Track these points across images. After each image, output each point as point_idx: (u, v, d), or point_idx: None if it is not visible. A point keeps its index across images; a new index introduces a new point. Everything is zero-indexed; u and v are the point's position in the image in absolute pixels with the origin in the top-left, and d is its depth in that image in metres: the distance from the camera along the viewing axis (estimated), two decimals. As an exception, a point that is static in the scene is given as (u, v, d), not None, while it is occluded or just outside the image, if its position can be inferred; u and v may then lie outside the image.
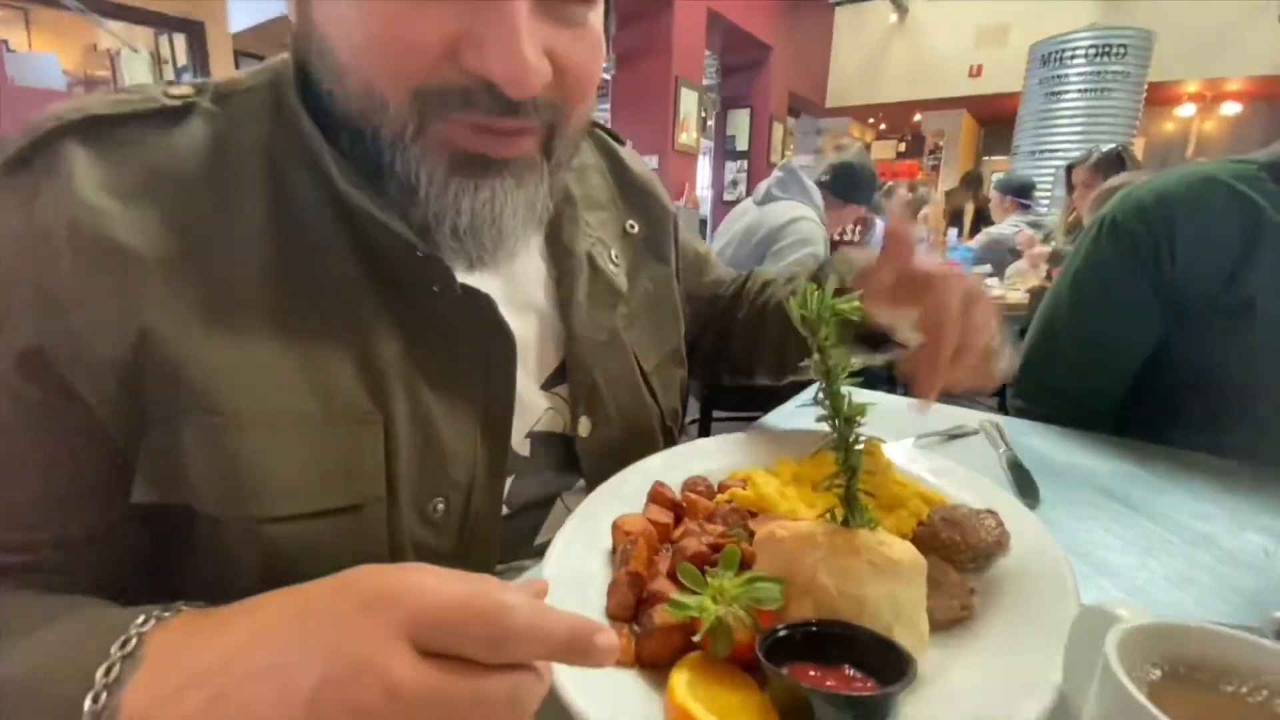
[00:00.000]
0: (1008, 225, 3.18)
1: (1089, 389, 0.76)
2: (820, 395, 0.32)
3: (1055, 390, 0.78)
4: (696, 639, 0.28)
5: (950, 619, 0.34)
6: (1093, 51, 5.02)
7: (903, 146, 9.58)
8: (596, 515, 0.41)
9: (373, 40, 0.34)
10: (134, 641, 0.25)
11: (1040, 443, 0.69)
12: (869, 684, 0.25)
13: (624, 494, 0.45)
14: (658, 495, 0.42)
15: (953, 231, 3.91)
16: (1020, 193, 3.25)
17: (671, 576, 0.33)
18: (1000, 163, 7.62)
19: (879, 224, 3.92)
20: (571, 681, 0.27)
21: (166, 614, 0.26)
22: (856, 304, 0.32)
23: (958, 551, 0.39)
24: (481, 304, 0.43)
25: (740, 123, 6.27)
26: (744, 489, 0.45)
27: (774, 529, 0.33)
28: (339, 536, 0.38)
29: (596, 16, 0.39)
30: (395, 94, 0.35)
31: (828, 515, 0.33)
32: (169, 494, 0.35)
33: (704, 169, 6.61)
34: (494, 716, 0.22)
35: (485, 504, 0.44)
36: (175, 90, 0.39)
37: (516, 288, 0.49)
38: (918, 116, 8.46)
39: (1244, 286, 0.64)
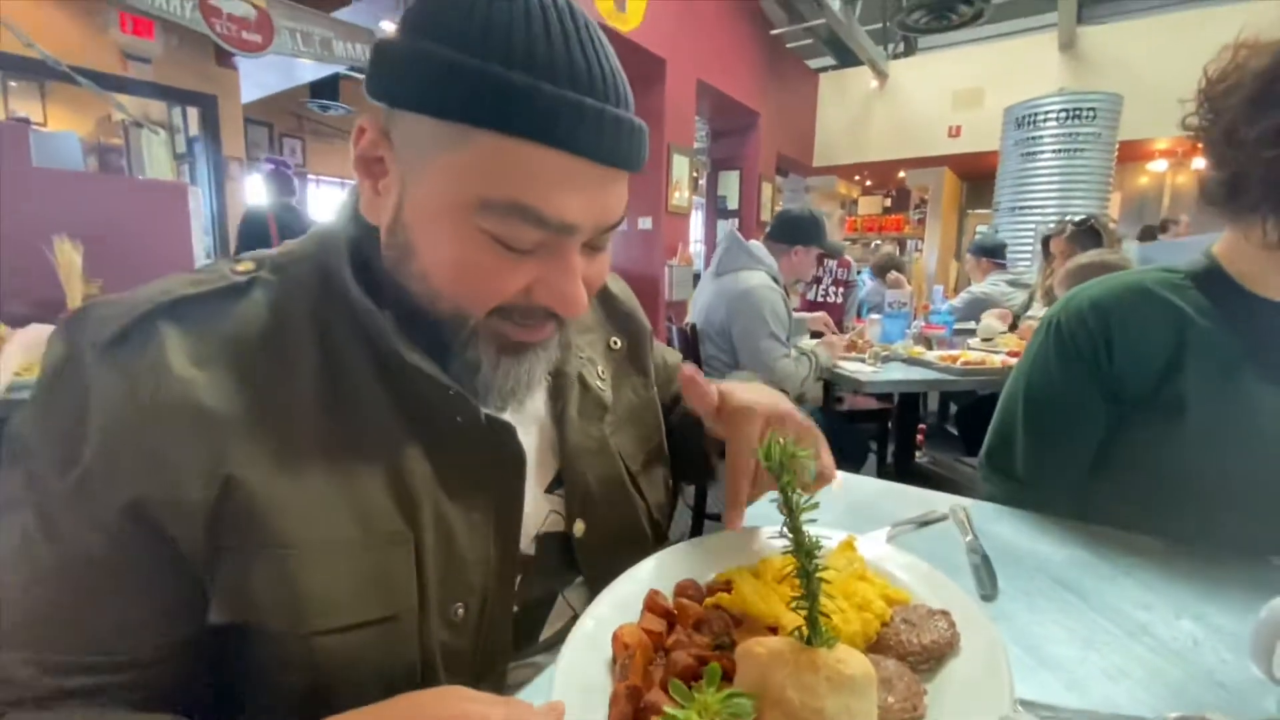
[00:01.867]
0: (988, 284, 3.31)
1: (1046, 477, 0.83)
2: (784, 529, 0.39)
3: (1016, 478, 0.85)
4: (685, 749, 0.34)
5: (904, 718, 0.40)
6: (1063, 115, 5.29)
7: (888, 202, 9.89)
8: (598, 625, 0.47)
9: (468, 281, 0.44)
10: None
11: (1004, 529, 0.75)
12: (825, 788, 0.31)
13: (622, 600, 0.50)
14: (652, 604, 0.48)
15: (939, 289, 4.04)
16: (994, 254, 3.40)
17: (664, 686, 0.38)
18: (984, 216, 7.89)
19: (866, 283, 4.06)
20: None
21: None
22: (811, 454, 0.39)
23: (913, 653, 0.45)
24: (503, 432, 0.51)
25: (730, 183, 6.53)
26: (729, 592, 0.51)
27: (751, 646, 0.39)
28: (377, 643, 0.44)
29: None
30: (478, 312, 0.46)
31: (796, 631, 0.39)
32: (239, 614, 0.41)
33: (696, 224, 6.83)
34: None
35: (499, 604, 0.51)
36: (240, 267, 0.48)
37: (522, 411, 0.56)
38: (902, 173, 8.78)
39: (1175, 387, 0.71)
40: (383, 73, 0.43)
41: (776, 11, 6.39)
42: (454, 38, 0.40)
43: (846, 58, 7.24)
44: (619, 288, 0.72)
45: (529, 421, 0.57)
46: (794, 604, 0.38)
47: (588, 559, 0.57)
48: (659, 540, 0.66)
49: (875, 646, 0.47)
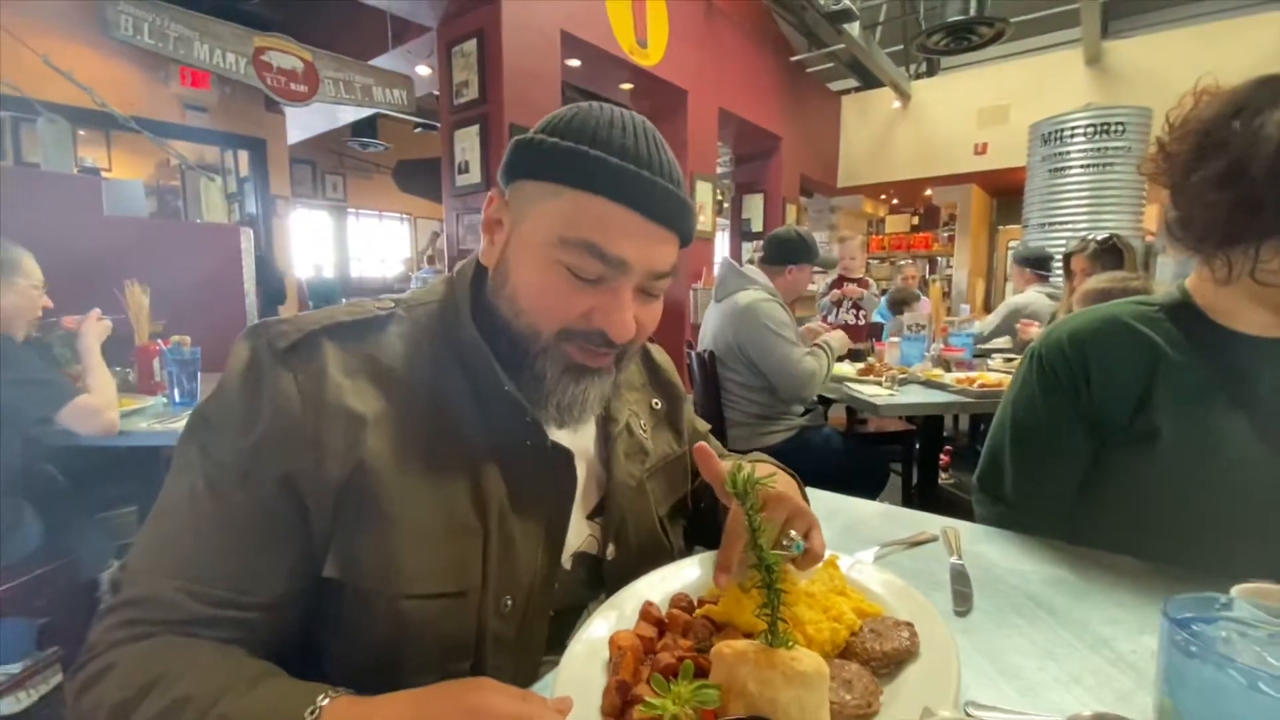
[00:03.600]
0: (1029, 294, 3.26)
1: (1033, 502, 0.86)
2: (748, 548, 0.46)
3: (1005, 502, 0.89)
4: (661, 731, 0.41)
5: (859, 714, 0.46)
6: (1091, 130, 5.23)
7: (916, 220, 9.83)
8: (599, 631, 0.54)
9: (545, 303, 0.57)
10: (318, 711, 0.39)
11: (990, 549, 0.80)
12: (774, 763, 0.38)
13: (624, 612, 0.58)
14: (646, 614, 0.55)
15: (965, 308, 4.02)
16: (1037, 265, 3.34)
17: (649, 683, 0.45)
18: (1015, 231, 7.79)
19: (871, 286, 4.07)
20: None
21: (335, 693, 0.41)
22: (772, 476, 0.46)
23: (874, 658, 0.51)
24: (565, 457, 0.62)
25: (755, 206, 6.60)
26: (716, 604, 0.58)
27: (721, 647, 0.45)
28: (446, 614, 0.54)
29: (666, 288, 0.62)
30: (548, 330, 0.57)
31: (762, 636, 0.46)
32: (345, 573, 0.52)
33: (721, 247, 6.91)
34: None
35: (539, 604, 0.60)
36: (381, 305, 0.62)
37: (579, 443, 0.66)
38: (928, 191, 8.74)
39: (1148, 416, 0.75)
40: (511, 159, 0.59)
41: (797, 37, 6.51)
42: (557, 131, 0.57)
43: (869, 80, 7.29)
44: (663, 359, 0.85)
45: (580, 456, 0.66)
46: (758, 611, 0.45)
47: (612, 580, 0.66)
48: None
49: (843, 653, 0.53)
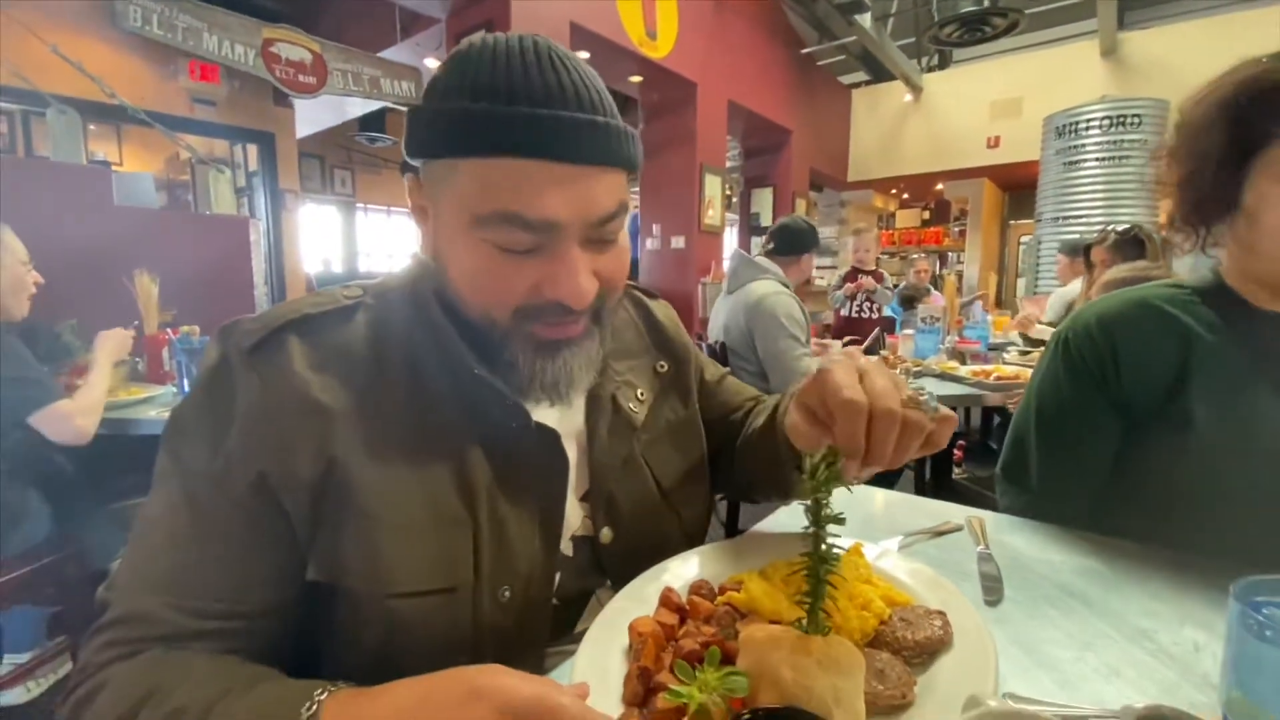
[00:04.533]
0: (1076, 284, 3.18)
1: (1059, 490, 0.84)
2: (806, 530, 0.44)
3: (1031, 491, 0.86)
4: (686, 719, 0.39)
5: (893, 704, 0.44)
6: (1107, 122, 5.16)
7: (927, 214, 9.74)
8: (619, 617, 0.52)
9: (485, 285, 0.52)
10: (315, 706, 0.37)
11: (1017, 539, 0.77)
12: (808, 754, 0.35)
13: (643, 597, 0.56)
14: (666, 600, 0.53)
15: (978, 304, 3.97)
16: (1084, 254, 3.25)
17: (672, 670, 0.43)
18: (1027, 226, 7.71)
19: (885, 279, 4.04)
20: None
21: (334, 688, 0.38)
22: (851, 485, 0.44)
23: (906, 647, 0.49)
24: (550, 438, 0.58)
25: (764, 201, 6.56)
26: (739, 592, 0.55)
27: (753, 632, 0.43)
28: (440, 611, 0.51)
29: (622, 230, 0.55)
30: (501, 315, 0.52)
31: (797, 622, 0.43)
32: (331, 575, 0.49)
33: (731, 242, 6.87)
34: None
35: (539, 593, 0.57)
36: (348, 293, 0.58)
37: (569, 422, 0.63)
38: (940, 185, 8.66)
39: (1182, 401, 0.73)
40: (408, 136, 0.52)
41: (808, 30, 6.45)
42: (437, 92, 0.50)
43: (880, 73, 7.23)
44: (665, 315, 0.78)
45: (572, 436, 0.63)
46: (799, 597, 0.43)
47: (612, 564, 0.63)
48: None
49: (873, 642, 0.51)
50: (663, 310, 0.78)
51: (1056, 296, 3.30)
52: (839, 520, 0.43)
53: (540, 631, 0.58)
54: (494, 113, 0.46)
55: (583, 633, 0.51)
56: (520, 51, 0.49)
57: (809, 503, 0.43)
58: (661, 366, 0.73)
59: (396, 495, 0.50)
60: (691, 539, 0.70)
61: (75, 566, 1.61)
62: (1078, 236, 4.20)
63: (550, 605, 0.59)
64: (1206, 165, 0.73)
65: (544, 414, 0.59)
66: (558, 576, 0.60)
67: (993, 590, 0.64)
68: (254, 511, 0.48)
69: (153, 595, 0.46)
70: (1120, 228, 2.49)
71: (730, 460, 0.75)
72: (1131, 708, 0.41)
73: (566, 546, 0.61)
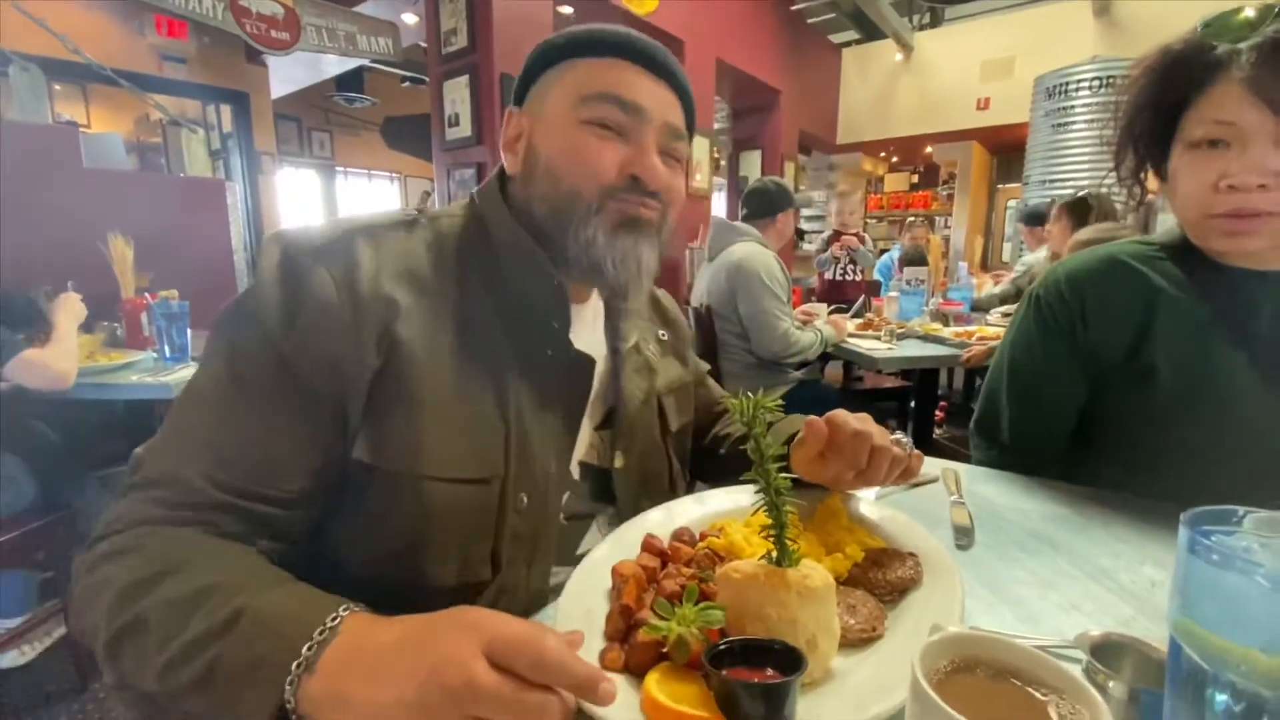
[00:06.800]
0: (1042, 251, 3.22)
1: (1029, 442, 0.86)
2: (755, 471, 0.45)
3: (1001, 445, 0.89)
4: (666, 651, 0.40)
5: (865, 637, 0.46)
6: (1096, 83, 5.11)
7: (915, 178, 9.68)
8: (601, 562, 0.54)
9: (580, 161, 0.61)
10: (337, 620, 0.38)
11: (989, 489, 0.80)
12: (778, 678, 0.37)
13: (626, 543, 0.57)
14: (648, 545, 0.55)
15: (963, 266, 3.99)
16: (1042, 221, 3.30)
17: (653, 608, 0.45)
18: (1014, 190, 7.69)
19: (867, 241, 4.07)
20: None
21: (355, 608, 0.40)
22: (779, 401, 0.45)
23: (878, 586, 0.51)
24: (586, 364, 0.66)
25: (752, 163, 6.47)
26: (719, 537, 0.57)
27: (728, 571, 0.45)
28: (469, 501, 0.56)
29: (683, 163, 0.67)
30: (590, 188, 0.61)
31: (766, 556, 0.45)
32: (374, 455, 0.53)
33: (719, 205, 6.80)
34: (525, 717, 0.33)
35: (553, 506, 0.63)
36: (406, 214, 0.64)
37: (594, 354, 0.68)
38: (929, 148, 8.59)
39: (1146, 354, 0.75)
40: (527, 67, 0.66)
41: (797, -15, 6.28)
42: (559, 37, 0.65)
43: (870, 31, 7.08)
44: (669, 302, 0.90)
45: (599, 367, 0.69)
46: (764, 533, 0.44)
47: (623, 487, 0.70)
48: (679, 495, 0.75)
49: (848, 581, 0.53)
50: (665, 298, 0.90)
51: (1022, 263, 3.35)
52: (782, 458, 0.45)
53: (550, 544, 0.63)
54: (608, 29, 0.63)
55: (583, 554, 0.56)
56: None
57: (751, 444, 0.45)
58: (663, 335, 0.84)
59: (443, 390, 0.56)
60: (676, 484, 0.77)
61: (65, 532, 1.61)
62: (1049, 201, 4.23)
63: (559, 522, 0.64)
64: (1139, 130, 0.76)
65: (582, 342, 0.66)
66: (565, 497, 0.65)
67: (963, 534, 0.67)
68: (311, 392, 0.52)
69: (191, 464, 0.49)
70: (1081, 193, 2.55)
71: (698, 448, 0.86)
72: (1086, 635, 0.43)
73: (574, 470, 0.67)
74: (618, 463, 0.69)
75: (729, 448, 0.82)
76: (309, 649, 0.37)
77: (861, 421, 0.61)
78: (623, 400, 0.70)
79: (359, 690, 0.35)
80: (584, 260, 0.61)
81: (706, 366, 0.94)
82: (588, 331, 0.71)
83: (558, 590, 0.57)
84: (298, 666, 0.36)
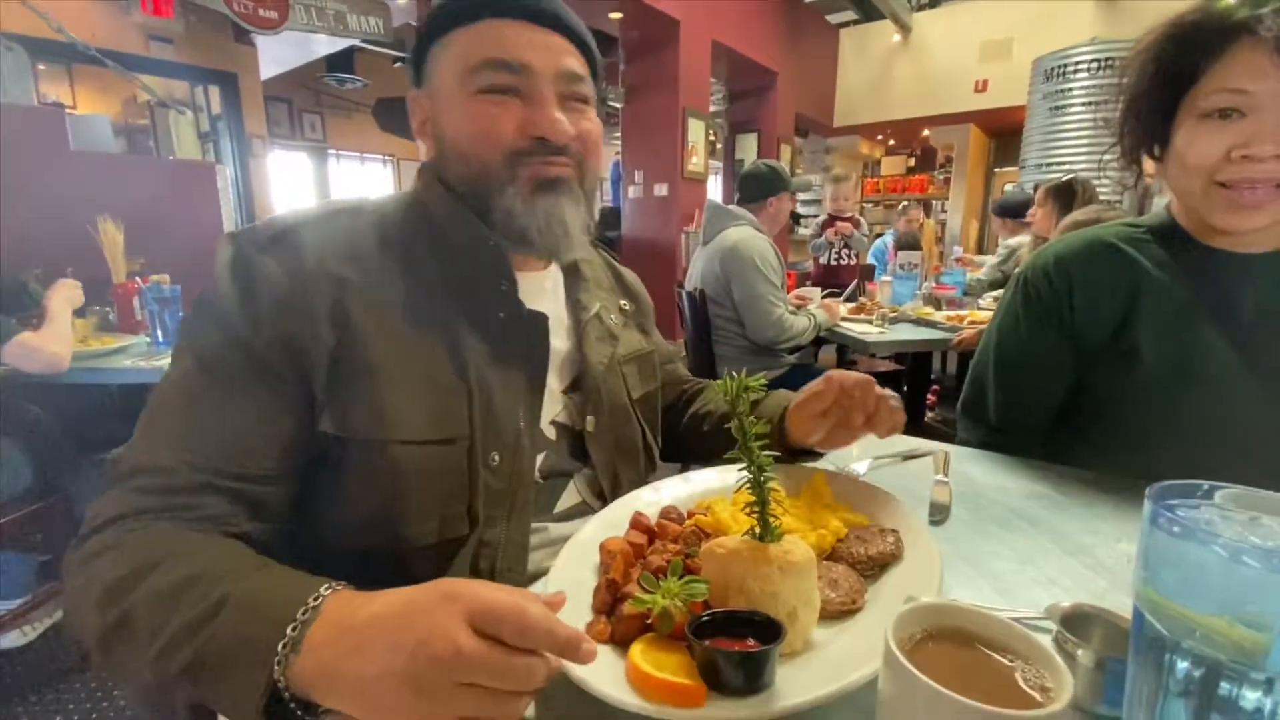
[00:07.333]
0: (1022, 236, 3.26)
1: (1015, 423, 0.88)
2: (739, 449, 0.46)
3: (988, 425, 0.90)
4: (651, 622, 0.42)
5: (845, 609, 0.47)
6: (1095, 65, 5.07)
7: (912, 162, 9.63)
8: (589, 538, 0.55)
9: (479, 131, 0.62)
10: (319, 599, 0.39)
11: (974, 468, 0.81)
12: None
13: (614, 521, 0.58)
14: (636, 522, 0.56)
15: (958, 249, 4.00)
16: (1016, 213, 3.35)
17: (640, 584, 0.46)
18: (1011, 174, 7.67)
19: (862, 225, 4.08)
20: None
21: (337, 586, 0.41)
22: (763, 380, 0.46)
23: (860, 561, 0.52)
24: (540, 322, 0.66)
25: (749, 146, 6.44)
26: (706, 515, 0.58)
27: (712, 546, 0.46)
28: (439, 462, 0.58)
29: (592, 104, 0.66)
30: (495, 158, 0.62)
31: (749, 532, 0.46)
32: (341, 426, 0.54)
33: (714, 190, 6.77)
34: (513, 681, 0.34)
35: (527, 464, 0.64)
36: (354, 201, 0.66)
37: (556, 325, 0.70)
38: (926, 132, 8.54)
39: (1130, 335, 0.76)
40: (413, 51, 0.66)
41: (795, -35, 6.19)
42: (436, 5, 0.64)
43: (868, 11, 7.00)
44: (631, 277, 0.90)
45: (556, 332, 0.70)
46: (747, 509, 0.45)
47: (596, 450, 0.71)
48: (650, 465, 0.79)
49: (830, 556, 0.54)
50: (628, 273, 0.90)
51: (1005, 246, 3.41)
52: (764, 435, 0.46)
53: (526, 501, 0.63)
54: None
55: (563, 512, 0.60)
56: None
57: (734, 423, 0.45)
58: (625, 305, 0.84)
59: (399, 357, 0.57)
60: (649, 450, 0.78)
61: (62, 515, 1.62)
62: (1021, 190, 4.26)
63: (534, 481, 0.65)
64: (1141, 107, 0.76)
65: (543, 309, 0.66)
66: (541, 457, 0.67)
67: (938, 511, 0.68)
68: (274, 373, 0.53)
69: (165, 451, 0.50)
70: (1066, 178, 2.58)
71: (678, 427, 0.88)
72: (1057, 606, 0.44)
73: (549, 430, 0.69)
74: (589, 426, 0.71)
75: (713, 425, 0.83)
76: (293, 629, 0.37)
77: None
78: (588, 365, 0.72)
79: (347, 665, 0.35)
80: (510, 230, 0.63)
81: (679, 351, 0.96)
82: (549, 300, 0.73)
83: (542, 546, 0.62)
84: (284, 647, 0.37)
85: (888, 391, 0.67)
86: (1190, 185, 0.72)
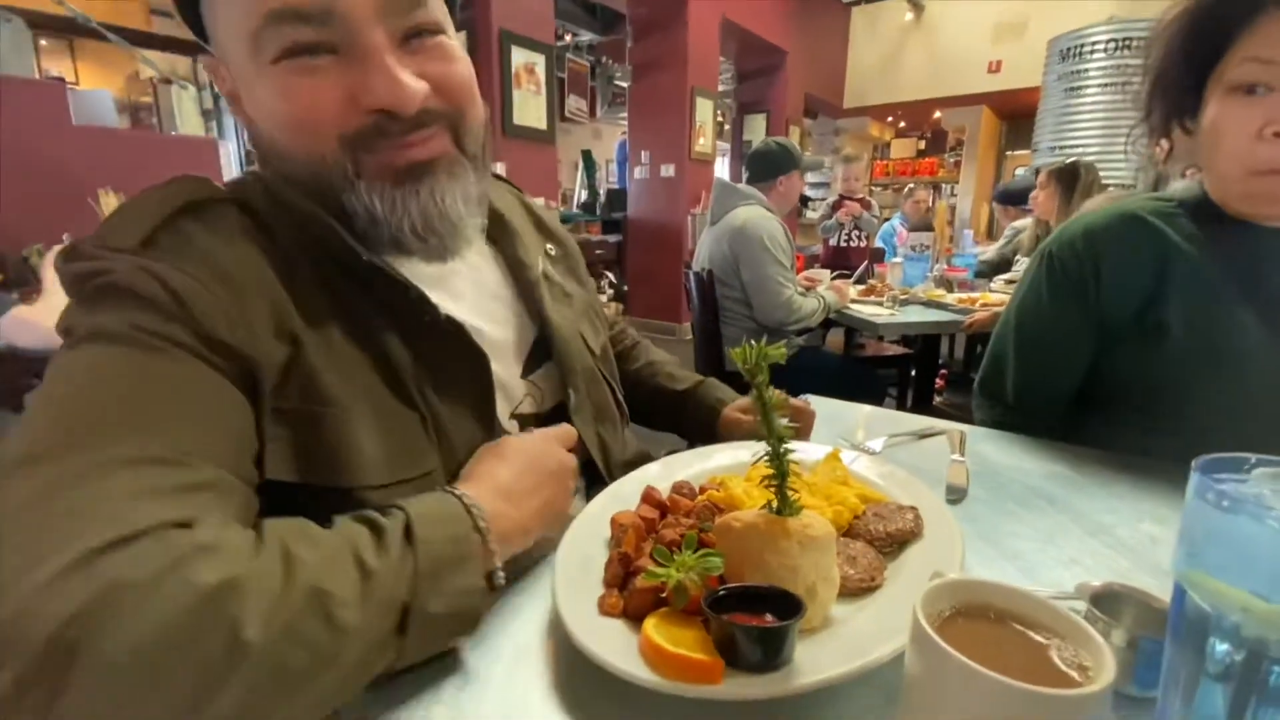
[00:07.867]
0: (1027, 220, 3.25)
1: (1034, 402, 0.86)
2: (758, 421, 0.44)
3: (1005, 404, 0.88)
4: (664, 596, 0.40)
5: (865, 587, 0.46)
6: (1112, 45, 4.95)
7: (923, 144, 9.50)
8: (600, 511, 0.53)
9: (294, 115, 0.45)
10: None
11: (991, 448, 0.80)
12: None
13: (624, 495, 0.57)
14: (647, 496, 0.54)
15: (968, 233, 3.95)
16: (1019, 200, 3.34)
17: (652, 557, 0.45)
18: (1023, 157, 7.55)
19: (873, 207, 4.04)
20: (580, 628, 0.40)
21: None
22: (783, 350, 0.44)
23: (878, 538, 0.51)
24: (455, 328, 0.52)
25: (757, 128, 6.34)
26: (719, 490, 0.57)
27: (728, 520, 0.45)
28: (412, 493, 0.44)
29: (449, 33, 0.50)
30: (329, 148, 0.46)
31: (767, 506, 0.44)
32: (297, 473, 0.43)
33: (722, 172, 6.69)
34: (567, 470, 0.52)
35: None
36: (229, 190, 0.49)
37: (491, 306, 0.60)
38: (937, 114, 8.41)
39: (1158, 311, 0.73)
40: (183, 10, 0.49)
41: (806, -60, 6.06)
42: None
43: (881, -11, 6.87)
44: (548, 216, 0.76)
45: (502, 320, 0.60)
46: (765, 482, 0.44)
47: (581, 424, 0.62)
48: (625, 426, 0.73)
49: (848, 533, 0.53)
50: (536, 204, 0.77)
51: (1011, 228, 3.40)
52: (784, 404, 0.44)
53: None
54: None
55: None
56: None
57: (754, 393, 0.44)
58: (551, 250, 0.72)
59: (344, 379, 0.46)
60: (621, 408, 0.73)
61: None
62: (1022, 177, 4.22)
63: None
64: (1170, 82, 0.74)
65: (460, 307, 0.55)
66: None
67: (954, 491, 0.67)
68: (219, 375, 0.40)
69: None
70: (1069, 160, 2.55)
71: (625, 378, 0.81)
72: (1087, 585, 0.43)
73: (510, 425, 0.58)
74: (573, 401, 0.62)
75: (655, 383, 0.84)
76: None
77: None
78: (555, 331, 0.62)
79: (522, 508, 0.47)
80: (382, 237, 0.48)
81: (616, 309, 0.94)
82: (487, 268, 0.62)
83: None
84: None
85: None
86: (1228, 167, 0.70)
